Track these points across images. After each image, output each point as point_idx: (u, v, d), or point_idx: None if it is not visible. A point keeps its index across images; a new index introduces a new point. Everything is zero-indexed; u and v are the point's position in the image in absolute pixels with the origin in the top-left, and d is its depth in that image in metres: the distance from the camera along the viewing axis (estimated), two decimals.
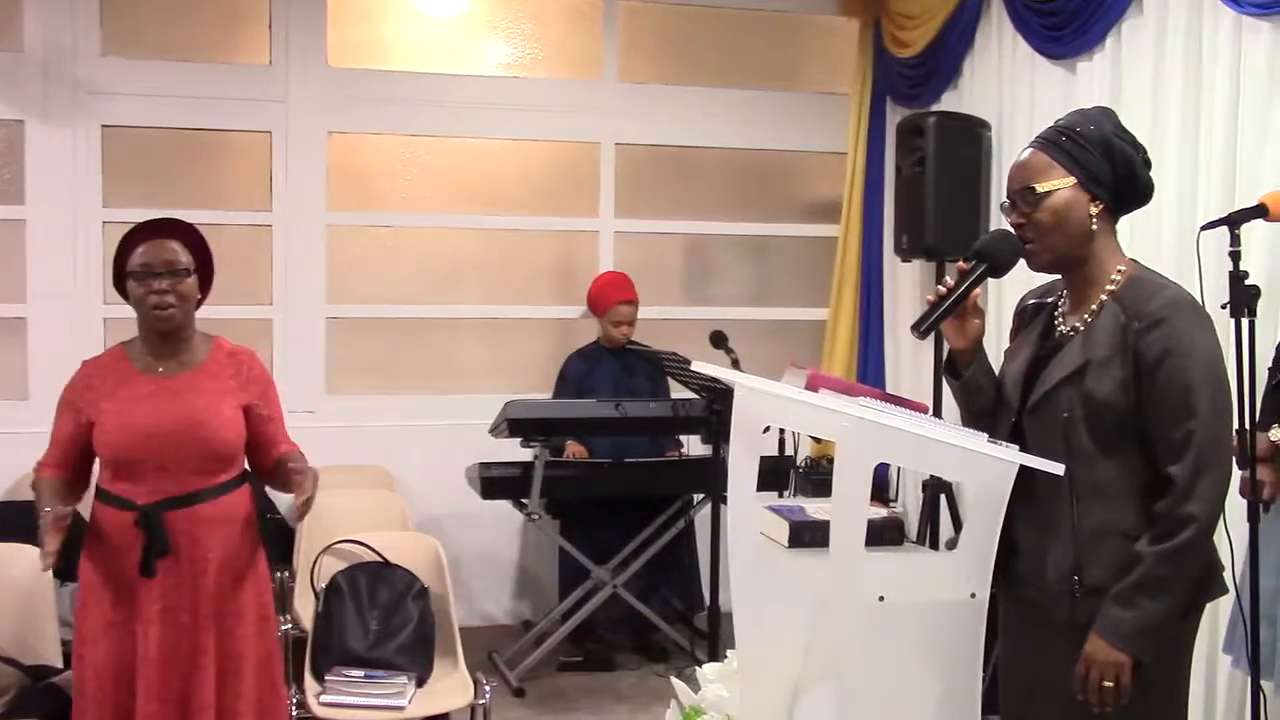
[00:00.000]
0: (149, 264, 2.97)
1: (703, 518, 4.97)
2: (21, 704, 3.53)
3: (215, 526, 3.00)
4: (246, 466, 3.17)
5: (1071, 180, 2.30)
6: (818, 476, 5.27)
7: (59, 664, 3.74)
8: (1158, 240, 3.83)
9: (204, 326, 3.20)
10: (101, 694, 2.95)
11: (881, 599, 2.19)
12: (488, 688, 3.83)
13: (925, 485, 4.80)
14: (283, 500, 5.24)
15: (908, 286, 5.59)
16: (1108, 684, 2.19)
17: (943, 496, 4.70)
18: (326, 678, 3.77)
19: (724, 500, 3.50)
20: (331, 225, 5.62)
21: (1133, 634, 2.18)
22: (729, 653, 3.08)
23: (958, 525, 4.54)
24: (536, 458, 4.75)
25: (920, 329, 2.38)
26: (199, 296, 3.10)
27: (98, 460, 3.07)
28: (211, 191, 5.50)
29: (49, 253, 5.26)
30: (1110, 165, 2.30)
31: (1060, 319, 2.41)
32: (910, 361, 5.54)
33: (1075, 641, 2.24)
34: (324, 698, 3.68)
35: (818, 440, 5.22)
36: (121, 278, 3.04)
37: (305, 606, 4.22)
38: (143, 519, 2.92)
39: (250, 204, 5.52)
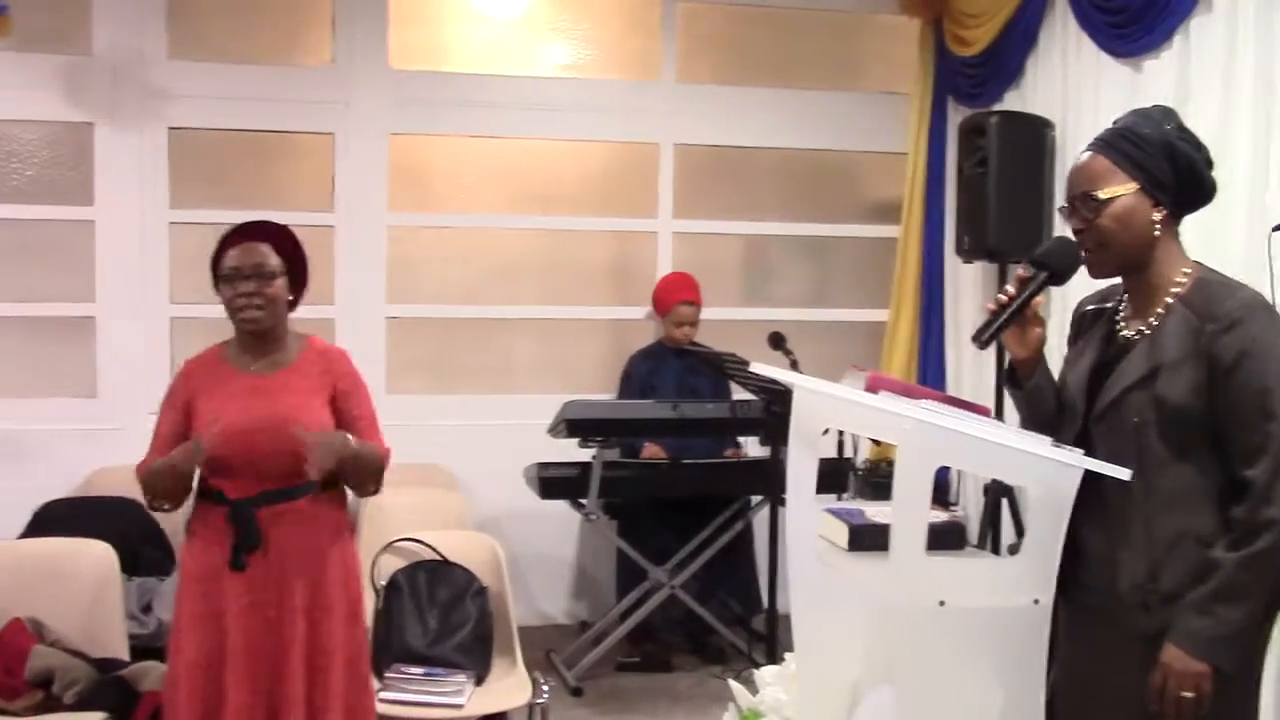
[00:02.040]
0: (238, 267, 3.03)
1: (761, 519, 4.96)
2: (89, 696, 3.61)
3: (305, 523, 3.04)
4: None
5: (1134, 185, 2.25)
6: (877, 479, 5.22)
7: (126, 657, 3.81)
8: (1226, 241, 3.76)
9: None
10: (192, 685, 2.99)
11: (942, 603, 2.17)
12: (545, 687, 3.84)
13: (987, 489, 4.75)
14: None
15: (969, 288, 5.53)
16: (1186, 695, 2.14)
17: (1004, 501, 4.64)
18: (386, 675, 3.80)
19: (783, 502, 3.49)
20: (392, 226, 5.67)
21: (1212, 643, 2.14)
22: (787, 656, 3.07)
23: (1020, 530, 4.49)
24: (595, 458, 4.76)
25: (980, 339, 2.35)
26: (290, 298, 3.13)
27: None
28: (275, 192, 5.57)
29: (117, 253, 5.36)
30: (1173, 168, 2.25)
31: (1122, 324, 2.36)
32: (971, 364, 5.48)
33: (1148, 651, 2.19)
34: (383, 694, 3.71)
35: (877, 443, 5.17)
36: (218, 280, 3.09)
37: (365, 604, 4.25)
38: (233, 514, 2.98)
39: (312, 205, 5.58)
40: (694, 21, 5.97)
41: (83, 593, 3.87)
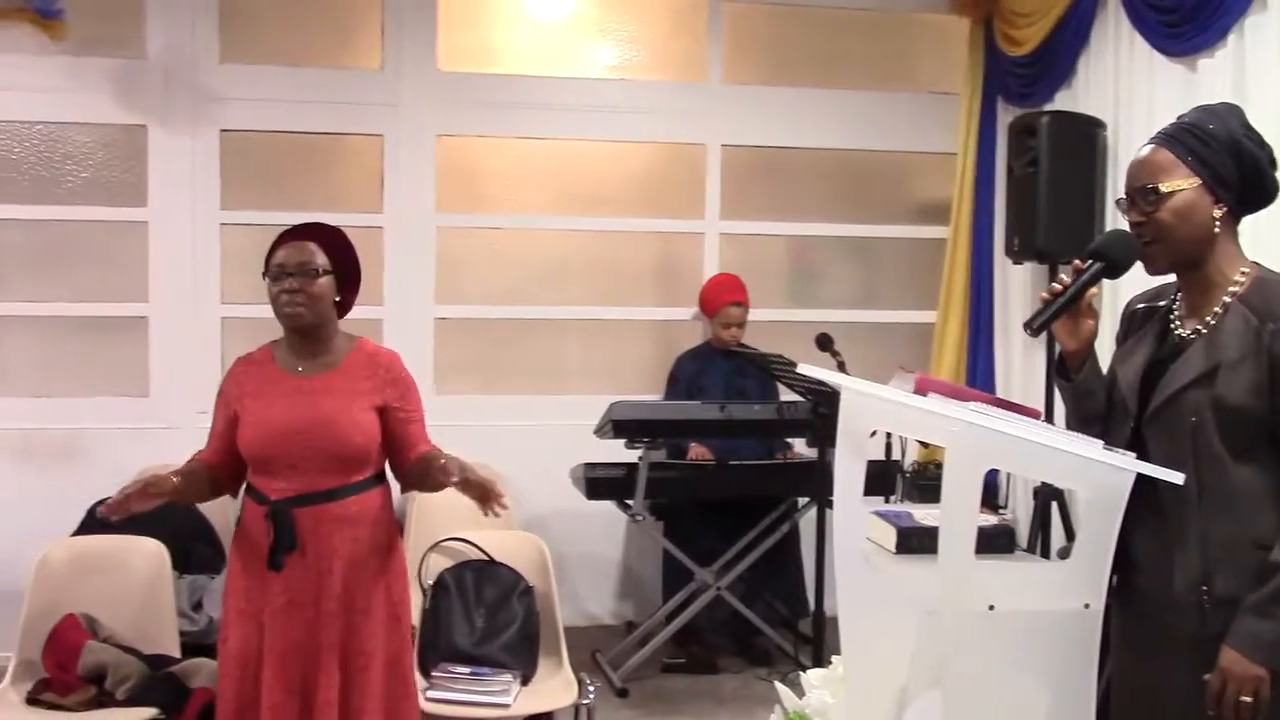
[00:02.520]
0: (282, 264, 3.05)
1: (807, 521, 4.94)
2: (141, 692, 3.65)
3: (343, 525, 3.03)
4: (388, 467, 3.19)
5: (1196, 181, 2.22)
6: (925, 482, 5.19)
7: (176, 654, 3.86)
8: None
9: None
10: (230, 679, 3.02)
11: (991, 607, 2.14)
12: (591, 688, 3.84)
13: (1037, 492, 4.70)
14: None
15: (1019, 289, 5.48)
16: (1245, 699, 2.11)
17: (1054, 504, 4.59)
18: (433, 674, 3.82)
19: (829, 504, 3.47)
20: (440, 227, 5.70)
21: (1272, 647, 2.10)
22: (834, 658, 3.05)
23: (1070, 534, 4.43)
24: (641, 459, 4.76)
25: (1033, 326, 2.33)
26: (336, 298, 3.12)
27: None
28: (325, 194, 5.62)
29: (169, 254, 5.43)
30: (1237, 166, 2.22)
31: (1177, 322, 2.33)
32: (1021, 366, 5.43)
33: (1203, 655, 2.16)
34: (430, 694, 3.73)
35: (925, 445, 5.14)
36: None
37: (413, 603, 4.27)
38: (272, 514, 2.99)
39: (362, 206, 5.63)
40: (740, 22, 5.96)
41: (135, 589, 3.92)
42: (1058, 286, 2.32)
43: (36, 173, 5.39)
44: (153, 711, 3.62)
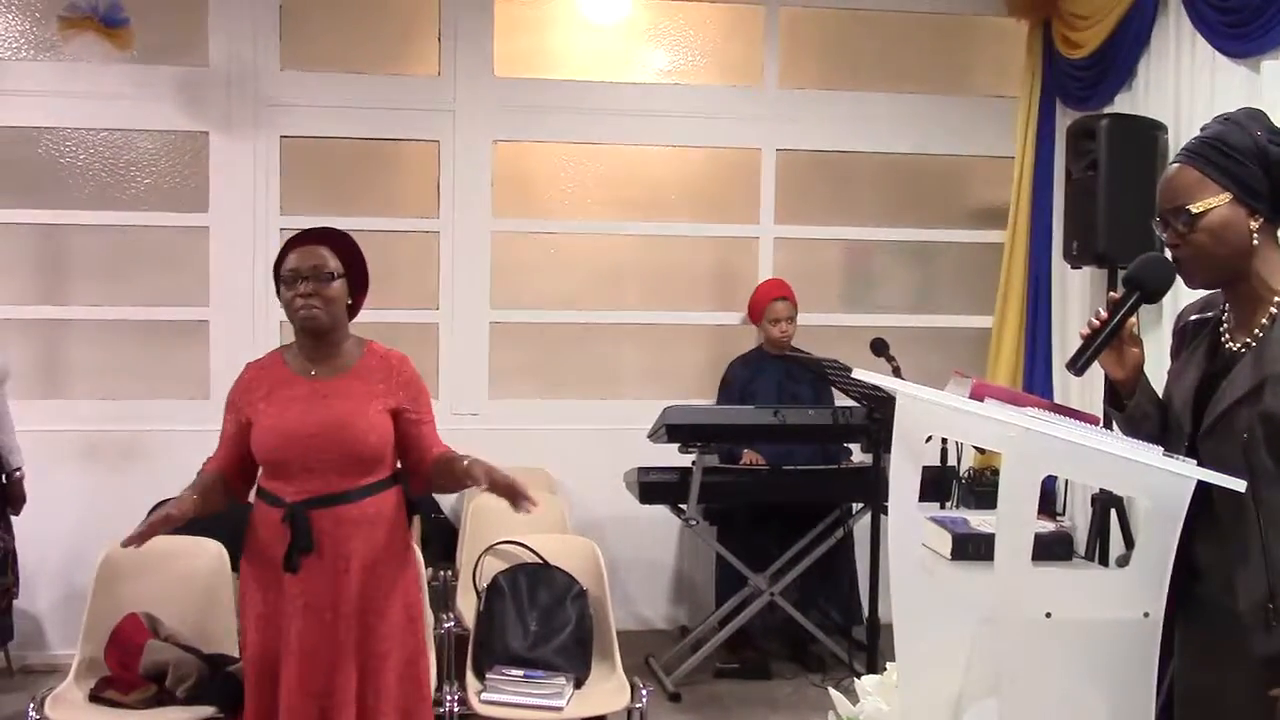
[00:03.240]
0: (296, 268, 3.06)
1: (862, 527, 4.91)
2: (200, 691, 3.70)
3: (359, 527, 3.04)
4: (398, 468, 3.20)
5: (1226, 196, 2.16)
6: (981, 488, 5.15)
7: (235, 653, 3.90)
8: None
9: (373, 331, 3.29)
10: (257, 680, 3.05)
11: (1049, 615, 2.12)
12: (644, 692, 3.84)
13: (1095, 499, 4.64)
14: (446, 500, 5.39)
15: (1077, 294, 5.42)
16: None
17: (1113, 511, 4.53)
18: (487, 676, 3.84)
19: (884, 510, 3.45)
20: (496, 232, 5.74)
21: None
22: (888, 665, 3.03)
23: (1129, 541, 4.37)
24: (695, 463, 4.76)
25: (1076, 366, 2.29)
26: (349, 301, 3.14)
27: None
28: (382, 199, 5.68)
29: (230, 258, 5.51)
30: (1266, 174, 2.15)
31: (1226, 336, 2.29)
32: None
33: (1268, 672, 2.11)
34: (484, 696, 3.75)
35: (981, 451, 5.09)
36: (279, 284, 3.14)
37: (467, 605, 4.31)
38: (289, 516, 3.00)
39: (419, 211, 5.68)
40: (796, 26, 5.95)
41: (195, 590, 3.98)
42: (1096, 322, 2.28)
43: (102, 179, 5.49)
44: (211, 710, 3.67)
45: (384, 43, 5.72)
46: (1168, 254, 2.32)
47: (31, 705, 3.62)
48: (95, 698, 3.70)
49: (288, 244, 3.13)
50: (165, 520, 2.87)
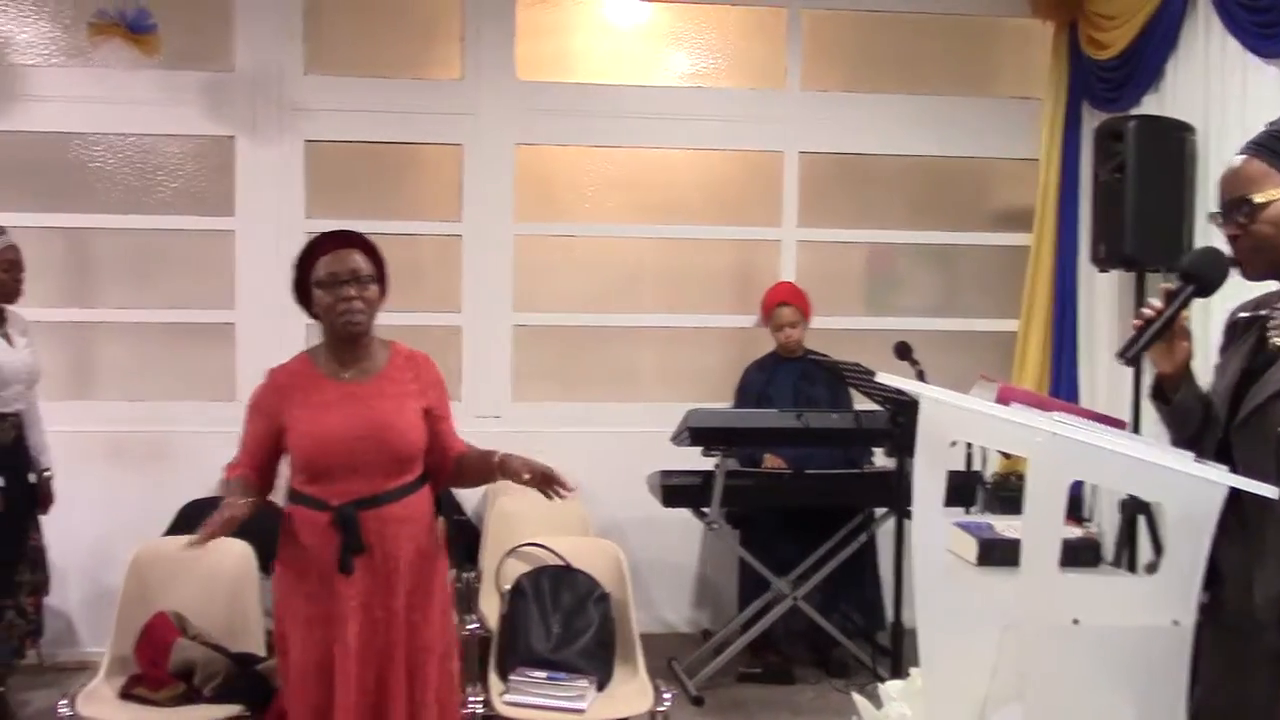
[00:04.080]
0: (336, 273, 3.08)
1: (885, 531, 4.90)
2: (228, 689, 3.73)
3: (403, 525, 3.10)
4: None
5: None
6: (1006, 493, 5.12)
7: (262, 653, 3.94)
8: None
9: (397, 334, 3.31)
10: (304, 686, 3.07)
11: (1076, 622, 2.11)
12: (667, 695, 3.84)
13: (1123, 505, 4.61)
14: (468, 502, 5.40)
15: (1105, 297, 5.39)
16: None
17: (1141, 517, 4.50)
18: (510, 677, 3.85)
19: (908, 515, 3.44)
20: (518, 235, 5.75)
21: None
22: (912, 671, 3.02)
23: (1158, 547, 4.34)
24: (718, 467, 4.76)
25: (1126, 356, 2.29)
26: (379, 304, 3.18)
27: (286, 463, 3.18)
28: (405, 203, 5.71)
29: (255, 262, 5.54)
30: None
31: (1273, 332, 2.28)
32: (1106, 376, 5.34)
33: None
34: (507, 697, 3.76)
35: (1007, 456, 5.07)
36: (304, 289, 3.16)
37: (490, 607, 4.32)
38: (339, 519, 3.03)
39: (442, 214, 5.70)
40: (819, 28, 5.94)
41: (223, 589, 4.01)
42: (1149, 313, 2.28)
43: (130, 183, 5.54)
44: (238, 708, 3.70)
45: (407, 47, 5.74)
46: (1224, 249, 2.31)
47: (64, 701, 3.66)
48: (125, 695, 3.74)
49: (315, 248, 3.15)
50: (230, 522, 2.88)
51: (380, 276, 3.16)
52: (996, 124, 5.88)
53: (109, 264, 5.57)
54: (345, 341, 3.14)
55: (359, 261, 3.10)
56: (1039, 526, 2.11)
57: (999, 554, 2.41)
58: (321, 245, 3.14)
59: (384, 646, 3.06)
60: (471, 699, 3.79)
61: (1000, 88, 6.02)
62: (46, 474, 4.47)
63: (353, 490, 3.04)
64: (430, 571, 3.16)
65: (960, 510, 4.57)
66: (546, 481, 3.04)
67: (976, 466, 4.81)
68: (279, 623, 3.15)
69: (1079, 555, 2.42)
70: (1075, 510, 5.03)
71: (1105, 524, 5.16)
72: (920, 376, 4.58)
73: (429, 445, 3.18)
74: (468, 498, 5.40)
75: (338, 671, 3.02)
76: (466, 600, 4.64)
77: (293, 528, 3.13)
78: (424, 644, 3.12)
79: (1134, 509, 4.51)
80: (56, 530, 4.60)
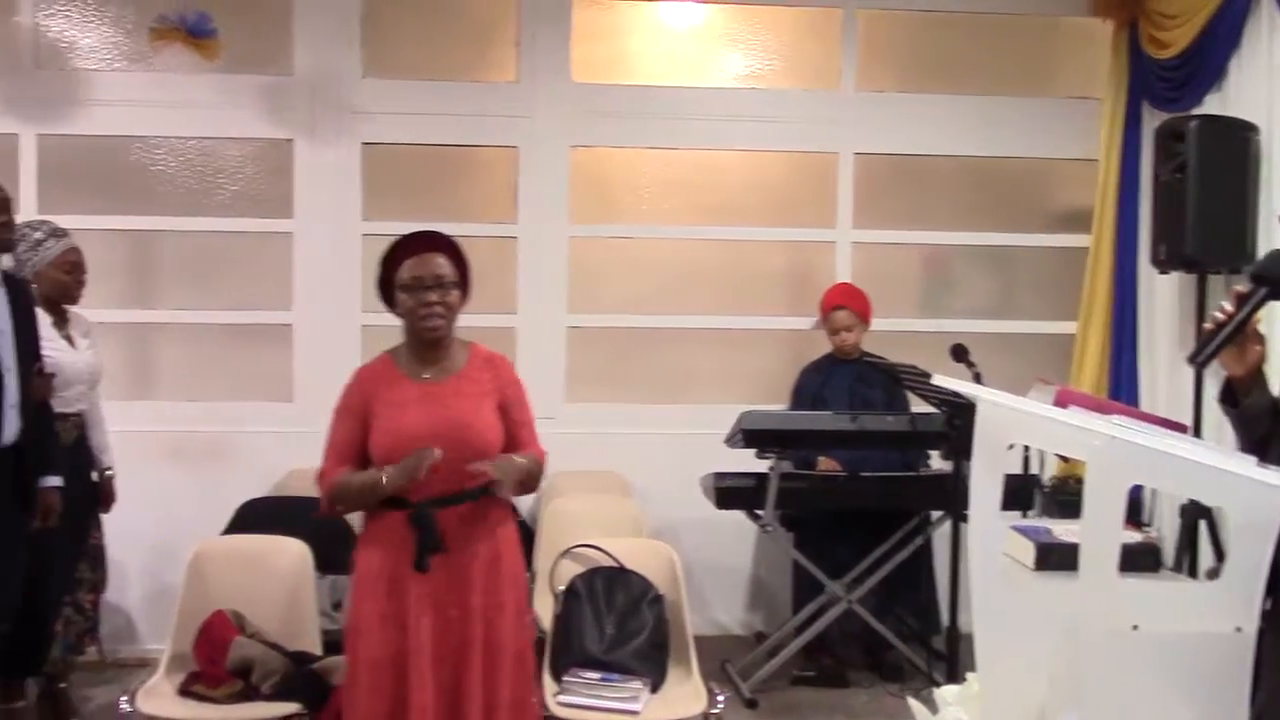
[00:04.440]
0: (420, 277, 3.12)
1: (941, 535, 4.85)
2: (285, 687, 3.77)
3: (479, 524, 3.13)
4: None
5: None
6: (1065, 497, 5.05)
7: (318, 651, 3.98)
8: None
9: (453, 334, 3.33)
10: (376, 683, 3.08)
11: (1136, 628, 2.08)
12: (721, 698, 3.84)
13: (1183, 510, 4.54)
14: (523, 503, 5.42)
15: (1165, 299, 5.30)
16: None
17: (1203, 522, 4.43)
18: (564, 678, 3.86)
19: (964, 518, 3.41)
20: (573, 237, 5.77)
21: None
22: (969, 675, 3.00)
23: (1220, 553, 4.27)
24: (772, 469, 4.74)
25: (1197, 360, 2.26)
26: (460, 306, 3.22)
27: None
28: (461, 205, 5.74)
29: (313, 263, 5.60)
30: None
31: None
32: (1167, 379, 5.25)
33: None
34: (561, 698, 3.77)
35: (1065, 459, 5.01)
36: (388, 288, 3.19)
37: (544, 608, 4.34)
38: (416, 517, 3.06)
39: (496, 216, 5.73)
40: (874, 28, 5.90)
41: (280, 588, 4.06)
42: (1221, 316, 2.25)
43: (190, 186, 5.62)
44: (295, 706, 3.73)
45: (463, 50, 5.78)
46: None
47: (124, 698, 3.72)
48: (184, 691, 3.79)
49: (399, 250, 3.18)
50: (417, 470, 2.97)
51: (463, 280, 3.20)
52: (1054, 124, 5.81)
53: (170, 266, 5.66)
54: (426, 342, 3.18)
55: (442, 265, 3.15)
56: (1098, 531, 2.08)
57: (1057, 558, 2.39)
58: (407, 246, 3.18)
59: (459, 645, 3.08)
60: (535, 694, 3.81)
61: (1058, 87, 5.95)
62: (108, 473, 4.54)
63: (430, 489, 3.06)
64: (506, 570, 3.18)
65: (1017, 514, 4.52)
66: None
67: (1034, 470, 4.77)
68: (351, 619, 3.18)
69: (1139, 560, 2.39)
70: (1135, 515, 4.96)
71: (1165, 529, 5.08)
72: (977, 379, 4.54)
73: (506, 446, 3.20)
74: (523, 499, 5.42)
75: (411, 670, 3.04)
76: None
77: (374, 524, 3.17)
78: (499, 643, 3.13)
79: (1195, 514, 4.43)
80: (117, 528, 4.68)
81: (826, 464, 5.12)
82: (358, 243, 5.60)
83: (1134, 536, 2.44)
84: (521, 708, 3.19)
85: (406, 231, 3.24)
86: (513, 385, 3.27)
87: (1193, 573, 4.38)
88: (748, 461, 4.87)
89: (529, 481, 3.22)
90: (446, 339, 3.20)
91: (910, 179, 5.94)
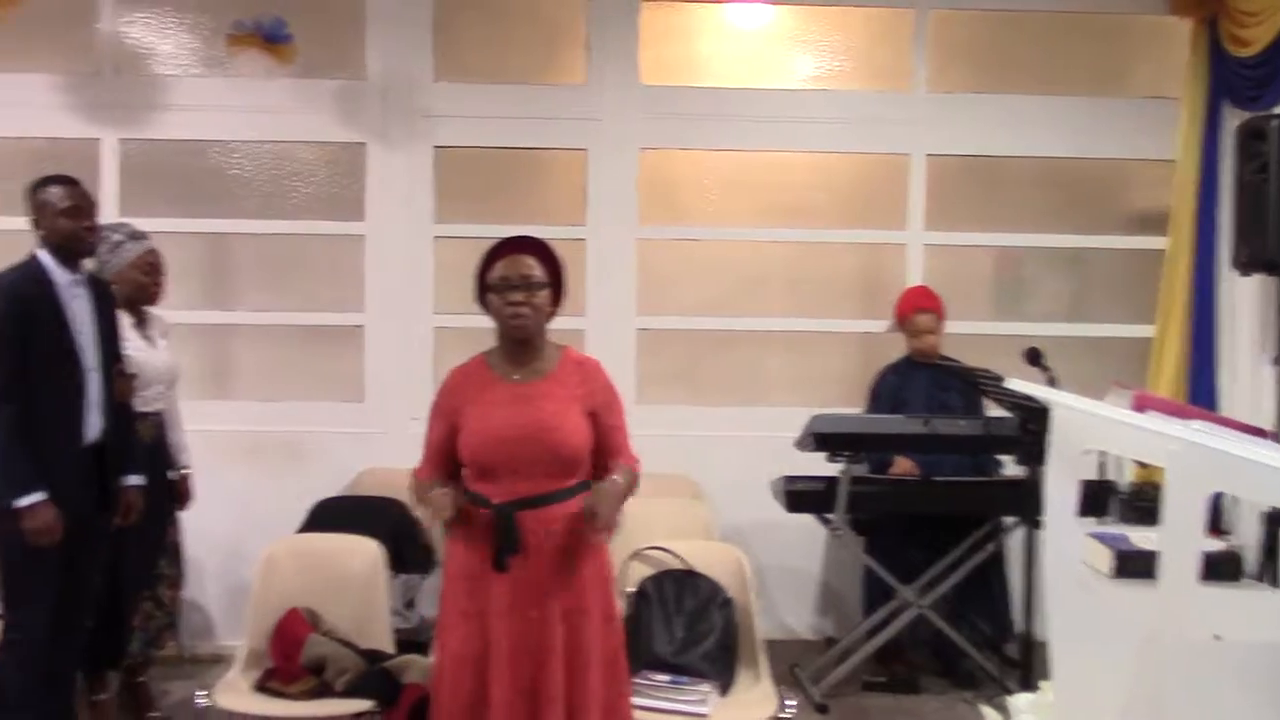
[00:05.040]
0: (506, 277, 3.16)
1: (1015, 540, 4.79)
2: (358, 685, 3.82)
3: (563, 526, 3.13)
4: None
5: None
6: (1142, 504, 4.95)
7: (391, 650, 4.02)
8: None
9: None
10: (457, 679, 3.12)
11: (1217, 637, 2.04)
12: (791, 702, 3.82)
13: (1266, 517, 4.44)
14: None
15: (1247, 303, 5.18)
16: None
17: None
18: (634, 680, 3.85)
19: (1038, 524, 3.36)
20: (642, 239, 5.77)
21: None
22: (1043, 684, 2.97)
23: None
24: (843, 473, 4.71)
25: None
26: (551, 309, 3.25)
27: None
28: (531, 207, 5.77)
29: (385, 266, 5.67)
30: None
31: None
32: (1248, 384, 5.14)
33: None
34: (631, 700, 3.77)
35: (1143, 465, 4.92)
36: (483, 290, 3.23)
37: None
38: (496, 517, 3.09)
39: (566, 219, 5.75)
40: (947, 29, 5.84)
41: (353, 586, 4.11)
42: None
43: (265, 189, 5.71)
44: (368, 704, 3.77)
45: (533, 53, 5.82)
46: None
47: (201, 692, 3.79)
48: (260, 687, 3.85)
49: (494, 252, 3.23)
50: (445, 499, 3.06)
51: (554, 283, 3.23)
52: (1130, 124, 5.71)
53: (245, 268, 5.76)
54: (517, 343, 3.21)
55: (530, 266, 3.18)
56: (1178, 538, 2.05)
57: (1135, 566, 2.35)
58: (500, 250, 3.23)
59: (538, 647, 3.10)
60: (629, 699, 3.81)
61: (1133, 87, 5.85)
62: (186, 472, 4.62)
63: (515, 490, 3.10)
64: (591, 574, 3.19)
65: (1093, 521, 4.45)
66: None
67: (1110, 476, 4.69)
68: (440, 615, 3.23)
69: (1220, 568, 2.35)
70: (1215, 522, 4.86)
71: (1247, 536, 4.97)
72: (1051, 383, 4.48)
73: (596, 451, 3.22)
74: None
75: (491, 668, 3.08)
76: None
77: (461, 524, 3.19)
78: (584, 646, 3.14)
79: (1277, 521, 4.34)
80: (194, 526, 4.77)
81: (902, 465, 5.07)
82: (429, 245, 5.65)
83: (1215, 544, 2.39)
84: (613, 711, 3.19)
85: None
86: (604, 390, 3.27)
87: (1275, 581, 4.28)
88: (818, 465, 4.84)
89: (627, 497, 3.24)
90: (537, 340, 3.23)
91: (983, 180, 5.88)
